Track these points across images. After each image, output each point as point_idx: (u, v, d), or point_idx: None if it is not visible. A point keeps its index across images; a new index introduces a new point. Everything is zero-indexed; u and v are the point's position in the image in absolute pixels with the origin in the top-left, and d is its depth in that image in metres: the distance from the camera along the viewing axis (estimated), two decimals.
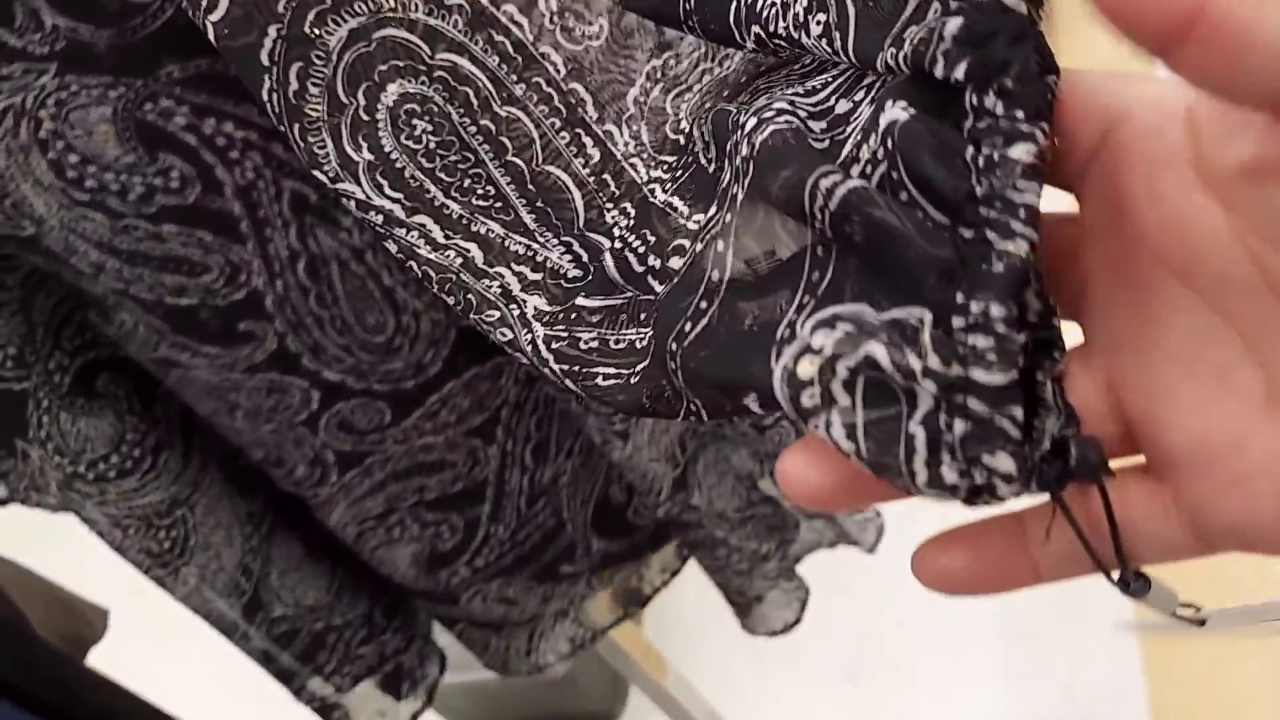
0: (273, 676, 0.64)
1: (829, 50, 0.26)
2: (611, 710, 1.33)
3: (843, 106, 0.27)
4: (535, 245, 0.35)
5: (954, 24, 0.22)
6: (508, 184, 0.35)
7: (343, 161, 0.34)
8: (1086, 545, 0.23)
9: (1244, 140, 0.19)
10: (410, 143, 0.35)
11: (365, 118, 0.34)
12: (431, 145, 0.35)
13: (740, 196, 0.28)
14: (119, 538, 0.55)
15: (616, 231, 0.34)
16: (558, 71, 0.37)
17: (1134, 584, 0.24)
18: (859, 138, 0.25)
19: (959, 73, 0.22)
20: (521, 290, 0.34)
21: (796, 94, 0.28)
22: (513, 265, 0.34)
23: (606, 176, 0.35)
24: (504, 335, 0.33)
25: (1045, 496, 0.23)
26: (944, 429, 0.22)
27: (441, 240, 0.34)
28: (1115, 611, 1.16)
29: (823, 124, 0.27)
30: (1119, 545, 0.23)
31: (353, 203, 0.34)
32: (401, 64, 0.34)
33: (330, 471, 0.56)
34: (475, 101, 0.35)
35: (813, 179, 0.24)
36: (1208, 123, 0.20)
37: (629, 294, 0.32)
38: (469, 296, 0.34)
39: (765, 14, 0.29)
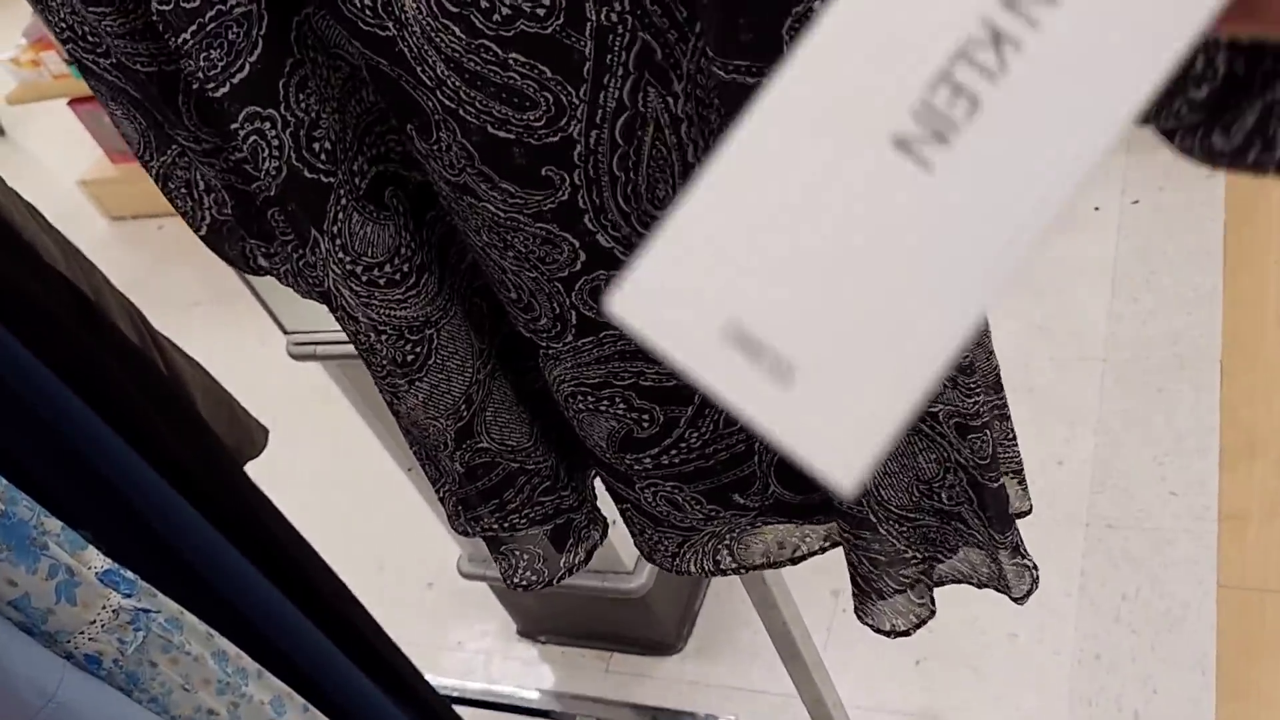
0: (451, 501, 0.66)
1: None
2: (674, 643, 1.32)
3: None
4: None
5: None
6: None
7: None
8: None
9: None
10: None
11: None
12: None
13: None
14: (372, 339, 0.55)
15: None
16: None
17: None
18: None
19: None
20: None
21: None
22: None
23: None
24: None
25: None
26: None
27: None
28: (1198, 656, 1.14)
29: None
30: None
31: None
32: None
33: (569, 331, 0.57)
34: None
35: None
36: None
37: None
38: None
39: None
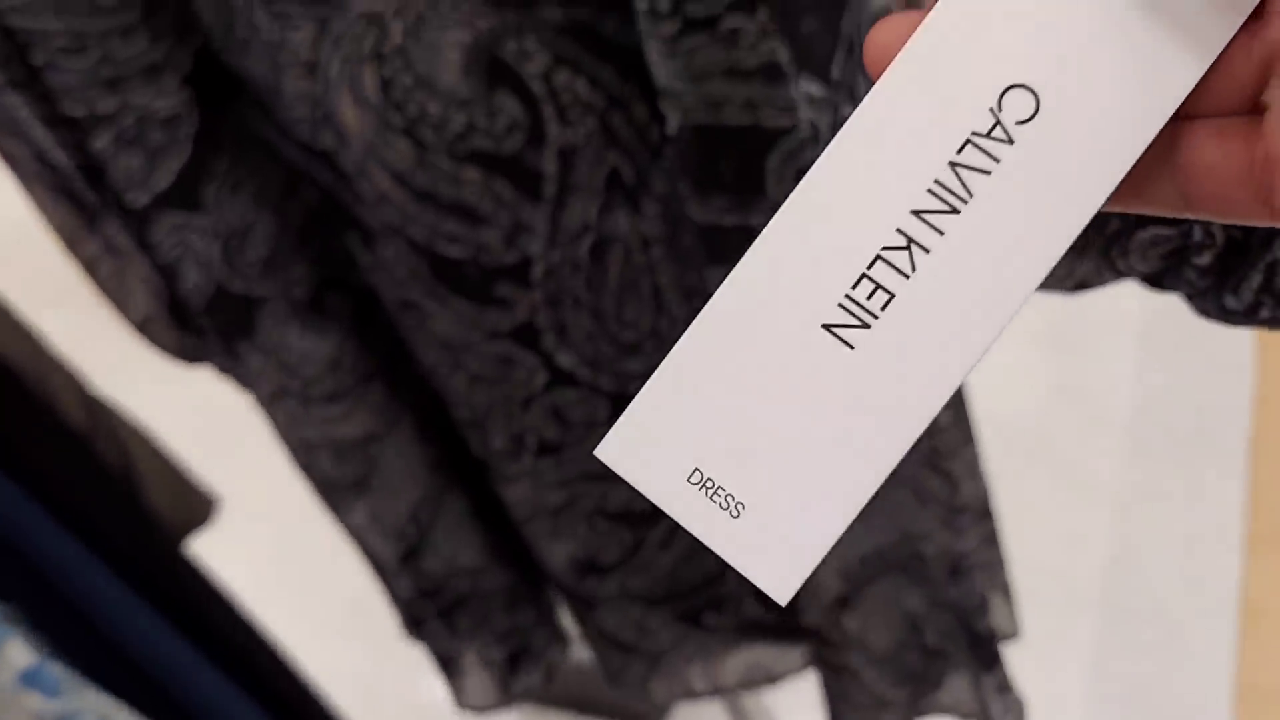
0: (403, 618, 0.61)
1: None
2: (659, 715, 1.27)
3: None
4: None
5: None
6: None
7: None
8: None
9: None
10: None
11: None
12: None
13: None
14: (305, 459, 0.50)
15: None
16: None
17: None
18: None
19: None
20: None
21: None
22: None
23: None
24: None
25: None
26: None
27: None
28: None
29: None
30: None
31: None
32: None
33: (525, 454, 0.52)
34: None
35: None
36: None
37: None
38: None
39: None
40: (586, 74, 0.38)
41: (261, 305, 0.46)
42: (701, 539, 0.19)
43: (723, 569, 0.56)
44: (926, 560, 0.52)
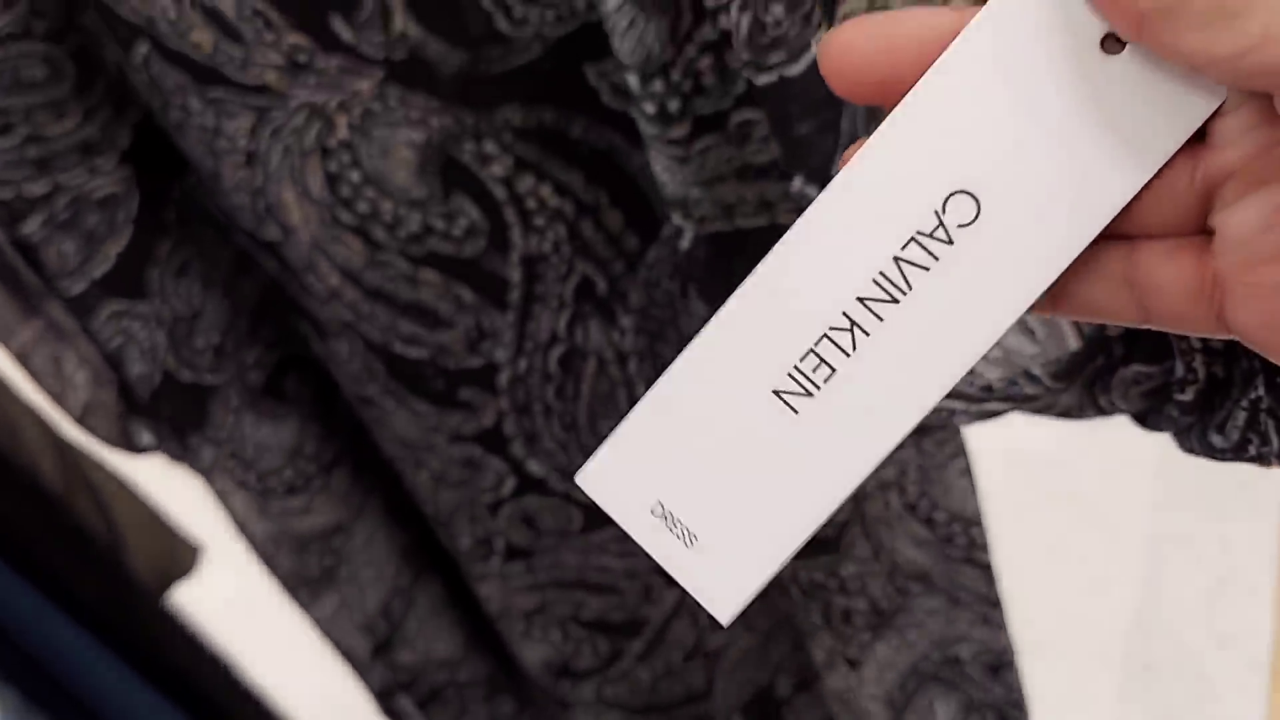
0: (379, 707, 0.58)
1: None
2: None
3: None
4: None
5: None
6: None
7: None
8: None
9: None
10: None
11: None
12: None
13: None
14: (271, 552, 0.47)
15: None
16: None
17: None
18: None
19: None
20: None
21: None
22: None
23: None
24: None
25: None
26: None
27: None
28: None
29: None
30: None
31: None
32: None
33: (494, 557, 0.48)
34: None
35: None
36: None
37: None
38: None
39: None
40: (553, 180, 0.34)
41: (213, 394, 0.43)
42: (659, 562, 0.21)
43: (709, 685, 0.51)
44: (963, 662, 0.48)
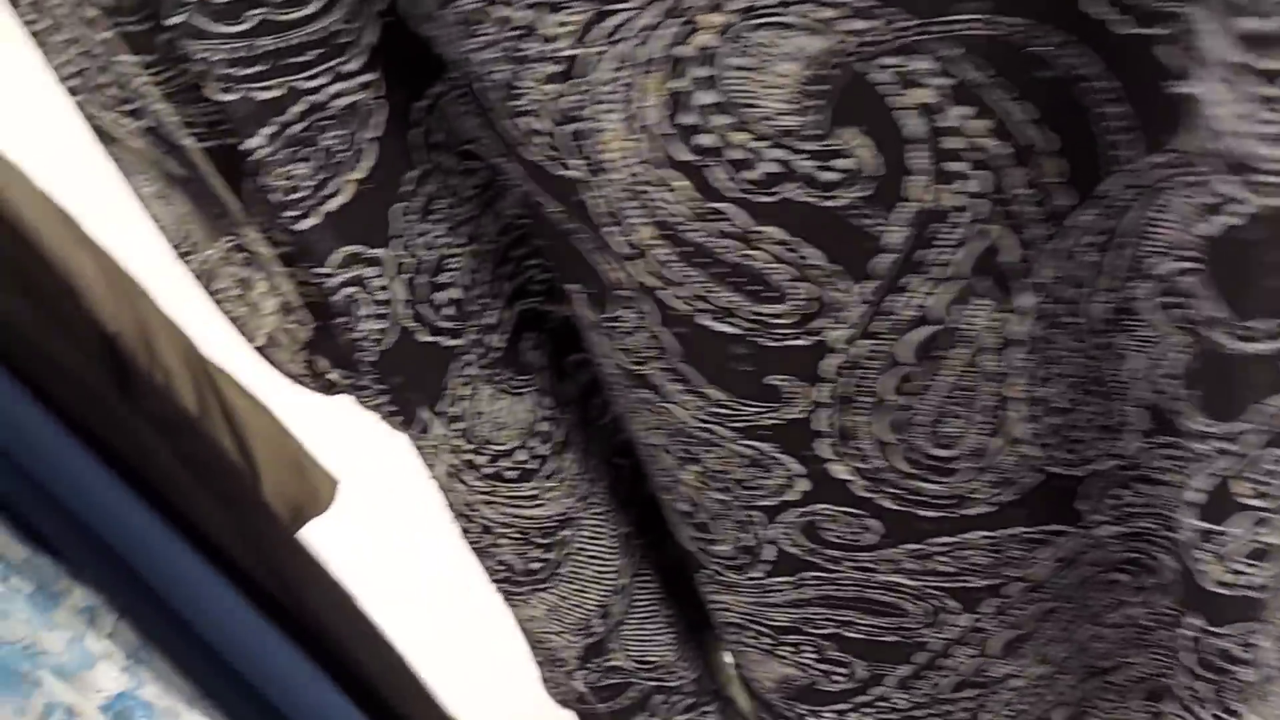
0: (576, 713, 0.51)
1: None
2: None
3: None
4: None
5: None
6: None
7: None
8: None
9: None
10: None
11: None
12: None
13: None
14: (487, 543, 0.39)
15: None
16: None
17: None
18: None
19: None
20: None
21: None
22: None
23: None
24: None
25: None
26: None
27: None
28: None
29: None
30: None
31: None
32: None
33: (756, 566, 0.40)
34: None
35: None
36: None
37: None
38: None
39: None
40: (995, 114, 0.25)
41: (450, 359, 0.35)
42: None
43: (974, 718, 0.44)
44: None
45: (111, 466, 0.50)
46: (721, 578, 0.40)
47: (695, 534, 0.39)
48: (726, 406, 0.33)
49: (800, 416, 0.33)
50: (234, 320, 0.41)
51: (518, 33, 0.25)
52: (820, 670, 0.43)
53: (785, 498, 0.36)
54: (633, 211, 0.28)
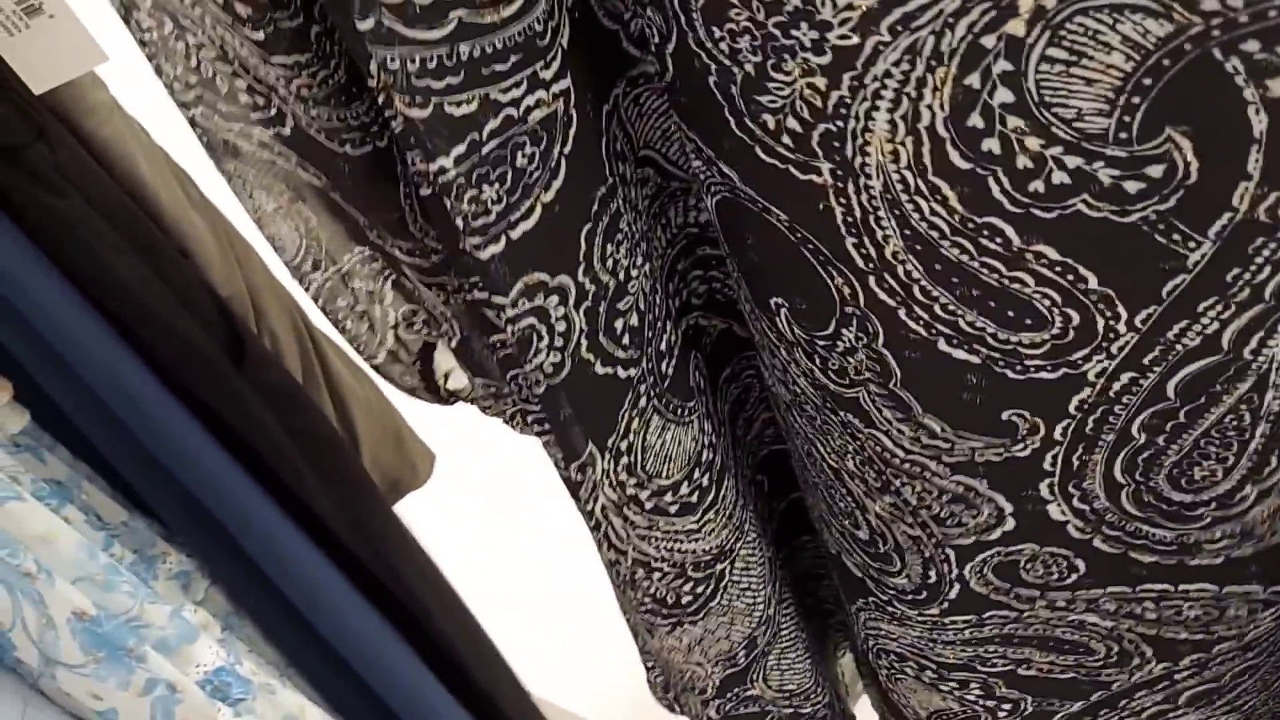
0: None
1: None
2: None
3: None
4: None
5: None
6: None
7: None
8: None
9: None
10: None
11: None
12: None
13: None
14: (639, 576, 0.36)
15: None
16: None
17: None
18: None
19: None
20: None
21: None
22: None
23: None
24: None
25: None
26: None
27: None
28: None
29: None
30: None
31: None
32: None
33: (939, 602, 0.37)
34: None
35: None
36: None
37: None
38: None
39: None
40: None
41: (626, 390, 0.31)
42: None
43: None
44: None
45: (217, 434, 0.49)
46: (891, 609, 0.37)
47: (872, 563, 0.36)
48: (944, 439, 0.29)
49: (1028, 454, 0.29)
50: (353, 339, 0.38)
51: (786, 17, 0.21)
52: (984, 707, 0.39)
53: (984, 538, 0.32)
54: (885, 222, 0.24)
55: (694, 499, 0.34)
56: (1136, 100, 0.21)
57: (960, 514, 0.32)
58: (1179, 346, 0.25)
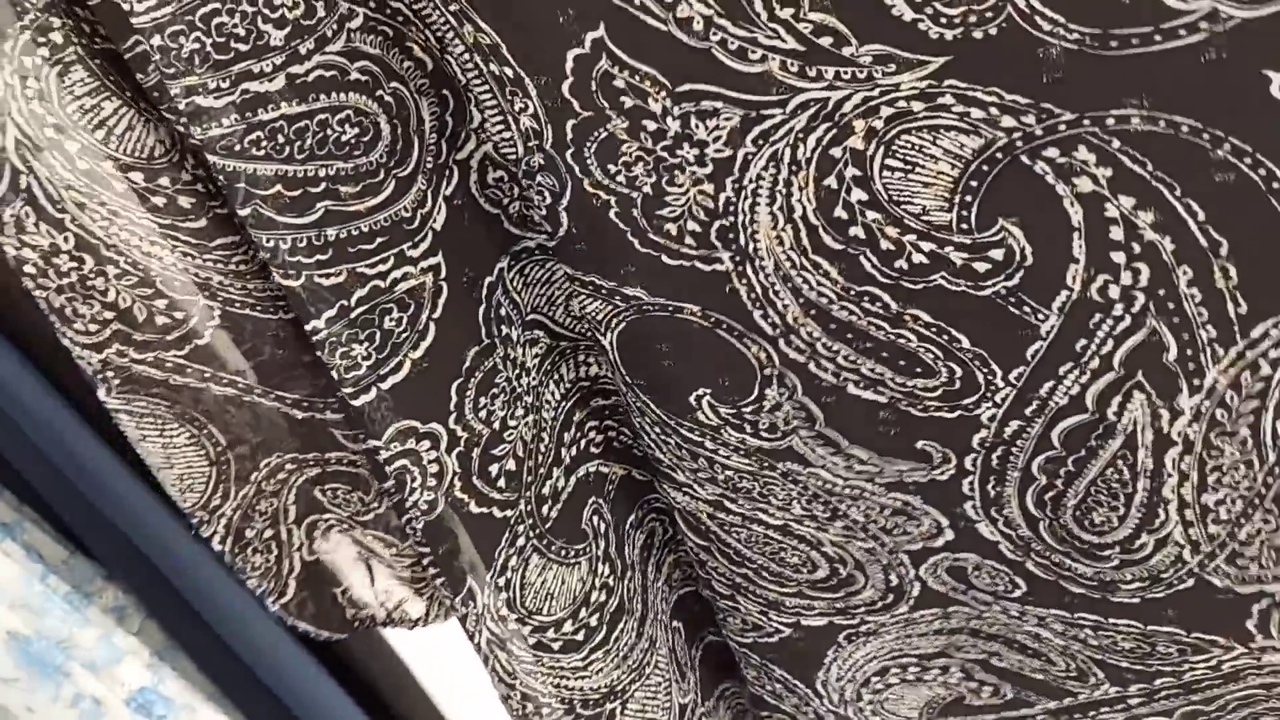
0: None
1: None
2: None
3: None
4: None
5: None
6: None
7: None
8: None
9: None
10: None
11: None
12: None
13: None
14: (529, 711, 0.39)
15: None
16: None
17: None
18: None
19: None
20: None
21: None
22: None
23: None
24: None
25: None
26: None
27: None
28: None
29: None
30: None
31: None
32: None
33: (904, 602, 0.41)
34: None
35: None
36: None
37: None
38: None
39: None
40: (1160, 206, 0.24)
41: (502, 530, 0.36)
42: None
43: None
44: None
45: (143, 477, 0.47)
46: (864, 626, 0.41)
47: (836, 598, 0.40)
48: (873, 464, 0.34)
49: (947, 479, 0.33)
50: (262, 572, 0.41)
51: (671, 141, 0.27)
52: (968, 687, 0.43)
53: (931, 544, 0.36)
54: (782, 294, 0.29)
55: (579, 637, 0.39)
56: (969, 199, 0.25)
57: (904, 524, 0.36)
58: (1051, 403, 0.29)
